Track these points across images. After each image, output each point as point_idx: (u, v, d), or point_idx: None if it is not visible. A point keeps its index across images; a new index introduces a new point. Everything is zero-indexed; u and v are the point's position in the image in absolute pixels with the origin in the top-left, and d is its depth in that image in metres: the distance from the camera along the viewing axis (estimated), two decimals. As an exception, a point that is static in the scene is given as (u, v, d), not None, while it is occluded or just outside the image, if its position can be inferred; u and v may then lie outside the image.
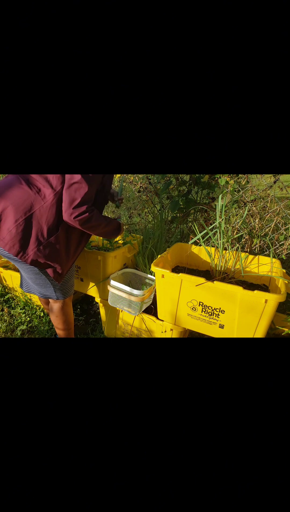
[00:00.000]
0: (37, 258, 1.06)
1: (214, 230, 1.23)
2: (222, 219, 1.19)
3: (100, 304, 1.52)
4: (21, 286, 1.35)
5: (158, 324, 1.30)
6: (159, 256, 1.28)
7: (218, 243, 1.22)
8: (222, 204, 1.19)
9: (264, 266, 1.26)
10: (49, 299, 1.29)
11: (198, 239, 1.18)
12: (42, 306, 1.78)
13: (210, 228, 1.22)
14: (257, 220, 1.66)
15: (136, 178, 2.27)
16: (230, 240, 1.24)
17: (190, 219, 1.93)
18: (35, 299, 1.80)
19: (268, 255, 1.62)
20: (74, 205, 1.00)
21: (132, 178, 2.30)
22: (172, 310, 1.19)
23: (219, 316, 1.08)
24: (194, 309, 1.13)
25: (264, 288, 1.25)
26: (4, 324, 1.67)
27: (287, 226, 1.62)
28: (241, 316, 1.03)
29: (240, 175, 1.70)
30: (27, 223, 1.02)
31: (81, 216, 1.02)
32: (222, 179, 1.49)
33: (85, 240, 1.21)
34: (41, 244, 1.05)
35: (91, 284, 1.49)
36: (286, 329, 1.15)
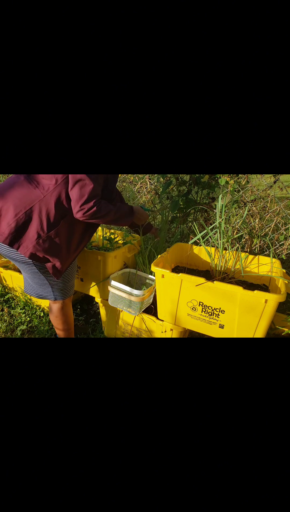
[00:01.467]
0: (36, 252, 1.05)
1: (214, 230, 1.23)
2: (222, 219, 1.19)
3: (100, 304, 1.52)
4: (25, 290, 1.34)
5: (158, 324, 1.30)
6: (159, 256, 1.28)
7: (218, 243, 1.22)
8: (222, 204, 1.19)
9: (264, 266, 1.26)
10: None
11: (198, 239, 1.18)
12: (42, 306, 1.78)
13: (210, 228, 1.22)
14: (257, 220, 1.66)
15: (136, 178, 2.27)
16: (230, 240, 1.24)
17: (190, 219, 1.93)
18: (35, 299, 1.80)
19: (268, 255, 1.62)
20: (81, 202, 1.02)
21: (132, 178, 2.30)
22: (172, 310, 1.19)
23: (219, 316, 1.08)
24: (194, 309, 1.13)
25: (264, 288, 1.25)
26: (4, 324, 1.67)
27: (287, 226, 1.62)
28: (241, 316, 1.03)
29: (240, 175, 1.70)
30: (27, 217, 1.02)
31: (90, 211, 1.04)
32: (222, 179, 1.49)
33: (88, 237, 1.20)
34: (40, 238, 1.04)
35: (91, 284, 1.49)
36: (286, 329, 1.15)
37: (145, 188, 2.23)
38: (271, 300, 0.94)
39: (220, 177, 1.58)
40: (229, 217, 1.53)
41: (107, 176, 1.13)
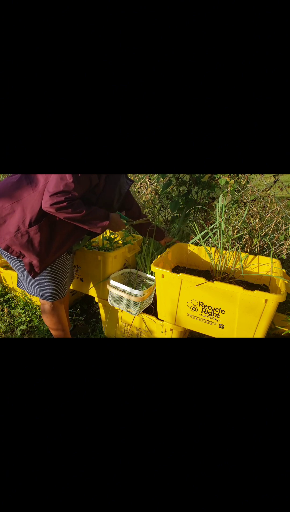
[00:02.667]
0: (12, 245, 1.05)
1: (214, 230, 1.23)
2: (222, 219, 1.19)
3: (100, 304, 1.52)
4: (18, 283, 1.34)
5: (158, 324, 1.30)
6: (159, 256, 1.28)
7: (218, 243, 1.22)
8: (222, 204, 1.19)
9: (264, 266, 1.26)
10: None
11: (198, 239, 1.18)
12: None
13: (210, 228, 1.22)
14: (257, 220, 1.66)
15: (136, 178, 2.27)
16: (230, 240, 1.24)
17: (190, 219, 1.93)
18: (35, 299, 1.80)
19: (268, 255, 1.62)
20: (52, 192, 0.97)
21: (132, 178, 2.30)
22: (172, 310, 1.19)
23: (219, 316, 1.08)
24: (194, 309, 1.13)
25: (264, 288, 1.25)
26: (4, 324, 1.67)
27: (287, 226, 1.62)
28: (241, 316, 1.03)
29: (240, 175, 1.70)
30: (11, 209, 1.02)
31: (58, 204, 0.98)
32: (222, 179, 1.49)
33: (72, 240, 1.16)
34: (19, 231, 1.03)
35: (91, 284, 1.49)
36: (286, 329, 1.15)
37: (145, 188, 2.23)
38: (271, 300, 0.94)
39: (220, 177, 1.58)
40: (229, 217, 1.53)
41: (100, 181, 1.10)
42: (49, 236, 1.08)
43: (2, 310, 1.81)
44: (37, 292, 1.23)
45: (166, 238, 1.48)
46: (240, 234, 1.36)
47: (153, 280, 1.40)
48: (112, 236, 1.59)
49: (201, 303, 1.10)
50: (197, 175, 1.69)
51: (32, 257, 1.09)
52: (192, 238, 1.20)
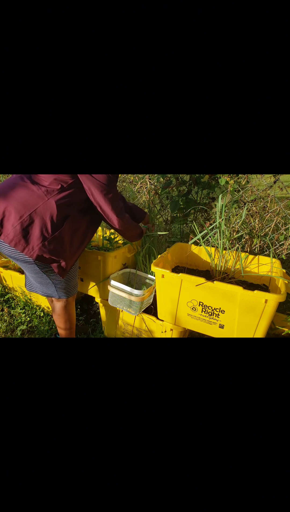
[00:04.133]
0: (42, 254, 1.07)
1: (214, 230, 1.23)
2: (222, 219, 1.19)
3: (100, 304, 1.52)
4: (25, 285, 1.35)
5: (158, 324, 1.30)
6: (159, 256, 1.28)
7: (218, 243, 1.22)
8: (222, 204, 1.19)
9: (264, 266, 1.26)
10: (52, 298, 1.29)
11: (198, 239, 1.18)
12: (42, 306, 1.78)
13: (210, 228, 1.22)
14: (257, 220, 1.66)
15: (136, 178, 2.27)
16: (230, 240, 1.24)
17: (190, 219, 1.93)
18: (35, 299, 1.80)
19: (268, 255, 1.62)
20: (117, 212, 1.12)
21: (132, 178, 2.30)
22: (172, 310, 1.19)
23: (219, 316, 1.08)
24: (194, 309, 1.13)
25: (264, 288, 1.25)
26: (4, 324, 1.67)
27: (287, 226, 1.62)
28: (241, 316, 1.03)
29: (240, 175, 1.70)
30: (31, 219, 1.03)
31: (124, 221, 1.16)
32: (222, 179, 1.49)
33: (90, 236, 1.22)
34: (46, 239, 1.05)
35: (91, 284, 1.49)
36: (286, 329, 1.15)
37: (145, 188, 2.23)
38: (271, 300, 0.94)
39: (220, 177, 1.58)
40: (229, 217, 1.53)
41: None
42: (71, 236, 1.13)
43: (2, 310, 1.81)
44: (53, 291, 1.24)
45: (146, 219, 1.54)
46: (240, 234, 1.36)
47: (153, 280, 1.40)
48: (112, 236, 1.59)
49: (201, 303, 1.10)
50: (197, 175, 1.69)
51: (61, 260, 1.12)
52: (192, 238, 1.20)
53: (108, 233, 1.70)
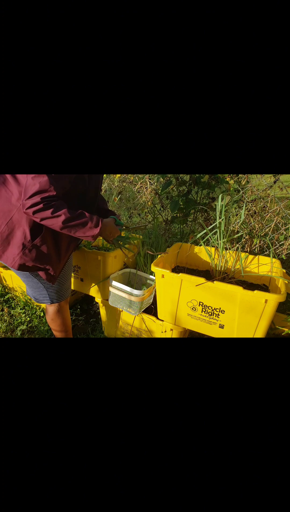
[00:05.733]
0: (25, 262, 1.04)
1: (214, 230, 1.23)
2: (222, 219, 1.19)
3: (100, 304, 1.52)
4: (26, 291, 1.33)
5: (158, 324, 1.30)
6: (159, 256, 1.28)
7: (218, 243, 1.22)
8: (222, 204, 1.19)
9: (264, 266, 1.26)
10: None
11: (198, 239, 1.18)
12: (42, 306, 1.78)
13: (210, 228, 1.22)
14: (257, 220, 1.66)
15: (136, 178, 2.27)
16: (230, 240, 1.24)
17: (190, 219, 1.93)
18: (42, 303, 1.80)
19: (268, 255, 1.62)
20: (27, 195, 0.90)
21: (132, 178, 2.30)
22: (172, 310, 1.19)
23: (219, 316, 1.08)
24: (194, 309, 1.13)
25: (264, 288, 1.25)
26: (4, 324, 1.67)
27: (287, 226, 1.62)
28: (241, 316, 1.03)
29: (240, 175, 1.70)
30: (9, 228, 1.00)
31: (36, 206, 0.90)
32: (222, 179, 1.49)
33: (77, 238, 1.16)
34: (26, 248, 1.02)
35: (91, 284, 1.49)
36: (286, 329, 1.15)
37: (145, 188, 2.23)
38: (271, 300, 0.94)
39: (220, 177, 1.58)
40: (229, 217, 1.53)
41: (76, 182, 1.04)
42: (54, 242, 1.08)
43: (2, 310, 1.81)
44: (45, 297, 1.21)
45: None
46: (240, 234, 1.36)
47: (153, 280, 1.40)
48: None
49: (201, 303, 1.10)
50: (197, 175, 1.69)
51: (47, 266, 1.09)
52: (192, 238, 1.20)
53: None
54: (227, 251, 1.27)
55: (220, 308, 1.07)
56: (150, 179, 2.13)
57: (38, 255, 1.04)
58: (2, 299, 1.90)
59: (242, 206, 1.70)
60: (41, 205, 0.91)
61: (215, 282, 1.03)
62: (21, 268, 1.05)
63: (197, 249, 1.40)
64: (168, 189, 1.83)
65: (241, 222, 1.50)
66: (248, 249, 1.63)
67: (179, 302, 1.15)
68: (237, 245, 1.40)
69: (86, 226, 1.00)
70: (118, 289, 1.27)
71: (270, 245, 1.21)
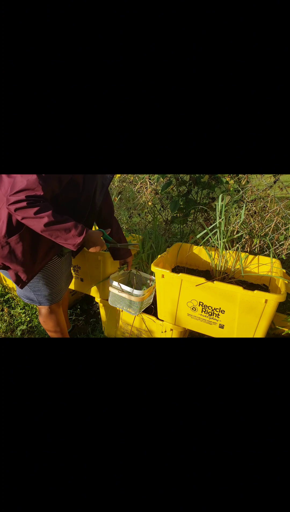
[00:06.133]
0: None
1: (214, 230, 1.23)
2: (222, 219, 1.19)
3: (100, 304, 1.52)
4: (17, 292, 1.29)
5: (158, 324, 1.30)
6: (159, 256, 1.28)
7: (218, 243, 1.22)
8: (222, 204, 1.19)
9: (264, 266, 1.26)
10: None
11: (198, 239, 1.18)
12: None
13: (210, 228, 1.22)
14: (257, 220, 1.66)
15: (136, 178, 2.27)
16: (230, 240, 1.24)
17: (190, 219, 1.93)
18: (32, 304, 1.80)
19: (268, 255, 1.62)
20: (13, 191, 0.87)
21: (132, 178, 2.30)
22: (172, 310, 1.19)
23: (219, 316, 1.08)
24: (194, 309, 1.13)
25: (264, 288, 1.25)
26: (4, 324, 1.67)
27: (287, 226, 1.62)
28: (241, 316, 1.03)
29: (240, 175, 1.70)
30: None
31: (19, 204, 0.87)
32: (222, 179, 1.49)
33: (57, 247, 1.08)
34: None
35: (91, 284, 1.49)
36: (286, 329, 1.15)
37: (145, 188, 2.23)
38: (271, 300, 0.94)
39: (220, 177, 1.58)
40: (229, 217, 1.53)
41: (76, 178, 1.01)
42: (32, 244, 1.01)
43: (2, 310, 1.81)
44: (33, 298, 1.17)
45: (127, 259, 1.36)
46: (240, 234, 1.36)
47: (153, 280, 1.40)
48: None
49: (201, 303, 1.10)
50: (197, 175, 1.69)
51: (17, 268, 1.02)
52: (192, 238, 1.20)
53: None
54: (227, 251, 1.27)
55: (220, 308, 1.07)
56: (150, 179, 2.13)
57: (10, 254, 0.98)
58: (2, 299, 1.90)
59: (242, 206, 1.70)
60: (24, 203, 0.87)
61: (215, 282, 1.03)
62: None
63: (197, 249, 1.40)
64: (168, 189, 1.83)
65: (241, 222, 1.50)
66: (248, 249, 1.63)
67: (179, 302, 1.15)
68: (237, 245, 1.40)
69: (69, 233, 0.94)
70: (118, 289, 1.27)
71: (270, 245, 1.21)
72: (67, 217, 0.96)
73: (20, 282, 1.06)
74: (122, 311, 1.41)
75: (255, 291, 0.96)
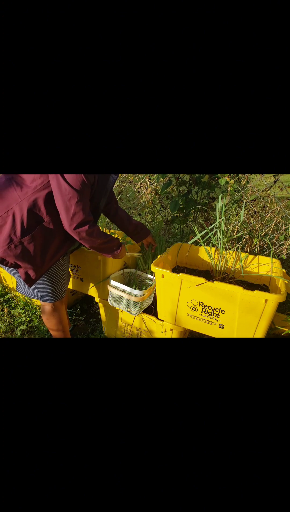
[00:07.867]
0: (6, 257, 1.02)
1: (214, 230, 1.23)
2: (222, 219, 1.19)
3: (100, 304, 1.52)
4: (16, 288, 1.32)
5: (158, 324, 1.30)
6: (159, 256, 1.28)
7: (218, 243, 1.22)
8: (222, 204, 1.19)
9: (264, 266, 1.26)
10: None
11: (198, 239, 1.18)
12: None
13: (210, 228, 1.22)
14: (257, 220, 1.66)
15: (136, 178, 2.27)
16: (230, 240, 1.24)
17: (190, 219, 1.93)
18: (36, 299, 1.80)
19: (268, 255, 1.62)
20: (71, 215, 0.99)
21: (132, 178, 2.29)
22: (172, 310, 1.19)
23: (219, 316, 1.08)
24: (194, 309, 1.13)
25: (264, 288, 1.25)
26: (4, 324, 1.67)
27: (287, 226, 1.62)
28: (241, 316, 1.03)
29: (240, 175, 1.70)
30: (3, 220, 0.99)
31: (81, 227, 1.02)
32: (222, 179, 1.49)
33: (67, 246, 1.15)
34: (12, 242, 1.00)
35: (91, 284, 1.49)
36: (286, 329, 1.15)
37: (145, 188, 2.23)
38: (271, 300, 0.94)
39: (220, 177, 1.57)
40: (229, 217, 1.53)
41: (92, 187, 1.07)
42: (44, 244, 1.06)
43: (2, 310, 1.81)
44: (37, 295, 1.21)
45: (148, 238, 1.46)
46: (240, 234, 1.36)
47: (153, 280, 1.40)
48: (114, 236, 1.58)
49: (201, 303, 1.10)
50: (197, 175, 1.69)
51: (27, 267, 1.06)
52: (192, 238, 1.20)
53: (108, 233, 1.70)
54: (227, 251, 1.27)
55: (220, 308, 1.07)
56: (150, 179, 2.13)
57: (22, 253, 1.02)
58: (2, 299, 1.90)
59: (242, 206, 1.70)
60: (86, 227, 1.03)
61: (215, 282, 1.03)
62: (0, 261, 1.03)
63: (197, 249, 1.40)
64: (168, 189, 1.83)
65: (241, 222, 1.50)
66: (248, 249, 1.63)
67: (179, 302, 1.15)
68: (237, 245, 1.40)
69: (113, 247, 1.17)
70: (118, 289, 1.27)
71: (270, 245, 1.21)
72: (110, 236, 1.15)
73: (29, 281, 1.11)
74: (122, 311, 1.41)
75: (255, 291, 0.96)
